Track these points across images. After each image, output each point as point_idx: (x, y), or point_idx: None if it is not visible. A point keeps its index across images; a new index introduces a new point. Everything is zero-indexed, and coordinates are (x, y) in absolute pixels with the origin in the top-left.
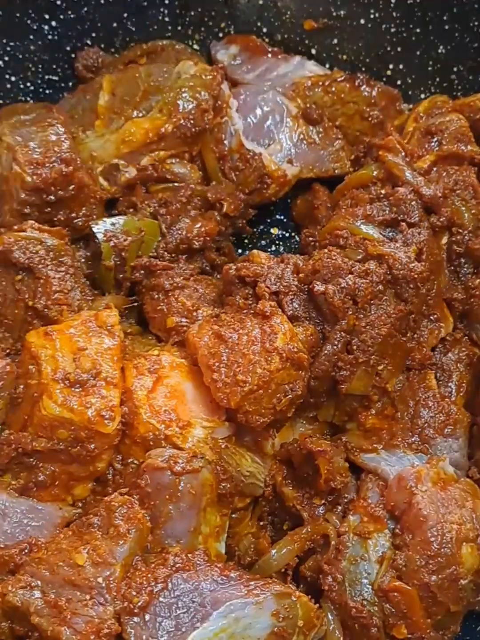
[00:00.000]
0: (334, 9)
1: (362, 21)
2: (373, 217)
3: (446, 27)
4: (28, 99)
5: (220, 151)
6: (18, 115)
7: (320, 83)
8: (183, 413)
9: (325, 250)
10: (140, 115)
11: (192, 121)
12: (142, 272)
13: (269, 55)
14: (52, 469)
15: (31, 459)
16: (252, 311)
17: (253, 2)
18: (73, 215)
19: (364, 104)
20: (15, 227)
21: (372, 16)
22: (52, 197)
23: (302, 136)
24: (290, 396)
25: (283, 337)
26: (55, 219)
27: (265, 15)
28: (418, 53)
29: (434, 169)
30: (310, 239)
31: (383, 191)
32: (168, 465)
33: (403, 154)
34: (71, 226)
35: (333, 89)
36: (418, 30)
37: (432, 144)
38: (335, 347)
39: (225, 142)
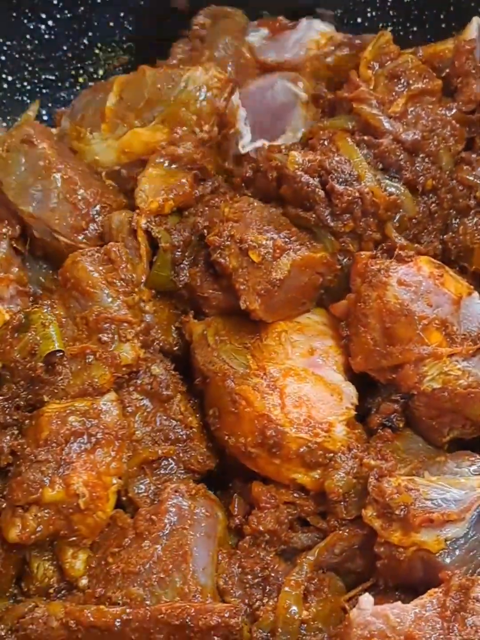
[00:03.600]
0: None
1: (359, 20)
2: None
3: (443, 25)
4: (24, 98)
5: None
6: None
7: (323, 55)
8: (318, 416)
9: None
10: (142, 124)
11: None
12: None
13: (287, 30)
14: None
15: None
16: None
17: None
18: None
19: None
20: None
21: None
22: None
23: (312, 119)
24: None
25: None
26: None
27: (265, 15)
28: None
29: (411, 110)
30: None
31: (365, 138)
32: None
33: (375, 102)
34: None
35: (332, 63)
36: (415, 28)
37: (399, 86)
38: None
39: (231, 153)
